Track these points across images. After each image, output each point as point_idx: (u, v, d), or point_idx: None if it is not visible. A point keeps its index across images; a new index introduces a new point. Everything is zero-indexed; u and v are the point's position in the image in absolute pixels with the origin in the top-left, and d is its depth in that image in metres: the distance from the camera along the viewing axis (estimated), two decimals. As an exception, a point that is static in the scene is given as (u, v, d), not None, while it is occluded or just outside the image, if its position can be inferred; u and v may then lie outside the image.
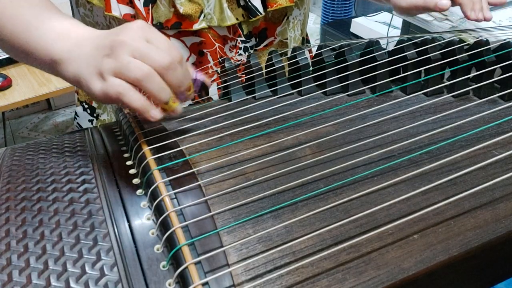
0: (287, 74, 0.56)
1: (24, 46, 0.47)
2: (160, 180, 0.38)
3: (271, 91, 0.53)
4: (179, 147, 0.43)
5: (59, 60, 0.44)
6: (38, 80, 1.71)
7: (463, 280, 0.39)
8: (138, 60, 0.39)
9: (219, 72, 0.64)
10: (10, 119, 2.36)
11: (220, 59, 0.65)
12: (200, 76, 0.48)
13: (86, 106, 0.75)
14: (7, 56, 1.76)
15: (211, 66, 0.65)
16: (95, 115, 0.74)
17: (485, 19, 0.62)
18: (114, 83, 0.40)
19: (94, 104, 0.74)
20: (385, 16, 2.28)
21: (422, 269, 0.34)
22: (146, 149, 0.42)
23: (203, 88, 0.49)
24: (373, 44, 0.54)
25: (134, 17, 0.59)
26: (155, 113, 0.41)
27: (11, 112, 2.34)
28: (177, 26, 0.60)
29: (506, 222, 0.37)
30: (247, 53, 0.66)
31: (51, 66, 0.45)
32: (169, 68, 0.40)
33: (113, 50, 0.40)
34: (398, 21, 1.94)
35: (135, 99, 0.40)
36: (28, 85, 1.69)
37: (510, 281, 0.56)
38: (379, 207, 0.36)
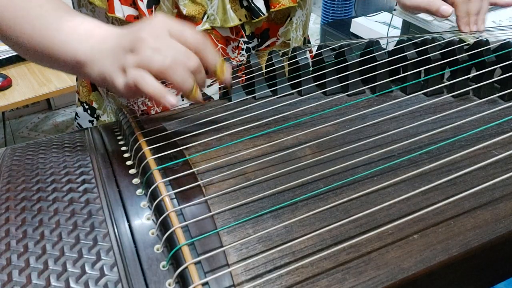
0: (287, 74, 0.56)
1: (46, 48, 0.47)
2: (160, 180, 0.38)
3: (271, 91, 0.53)
4: (179, 147, 0.43)
5: (84, 61, 0.45)
6: (38, 80, 1.71)
7: (463, 280, 0.39)
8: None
9: None
10: (10, 119, 2.36)
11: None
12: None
13: (86, 106, 0.75)
14: (7, 56, 1.76)
15: None
16: (95, 116, 0.74)
17: (478, 30, 0.64)
18: (133, 73, 0.40)
19: (95, 105, 0.74)
20: (385, 16, 2.28)
21: (422, 269, 0.34)
22: (146, 149, 0.42)
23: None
24: (373, 44, 0.54)
25: (137, 18, 0.59)
26: (171, 99, 0.41)
27: (11, 112, 2.34)
28: None
29: (506, 222, 0.37)
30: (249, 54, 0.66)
31: (76, 67, 0.46)
32: (195, 71, 0.41)
33: (135, 46, 0.41)
34: (398, 21, 1.94)
35: (151, 84, 0.40)
36: (28, 85, 1.69)
37: (510, 281, 0.56)
38: (379, 207, 0.36)
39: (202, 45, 0.42)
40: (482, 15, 0.64)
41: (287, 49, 0.68)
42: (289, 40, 0.69)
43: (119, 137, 0.48)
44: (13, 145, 0.48)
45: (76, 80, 0.77)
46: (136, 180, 0.41)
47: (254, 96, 0.53)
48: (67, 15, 0.47)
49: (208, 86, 0.66)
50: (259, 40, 0.66)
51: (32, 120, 2.37)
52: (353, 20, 2.40)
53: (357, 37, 2.34)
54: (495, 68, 0.52)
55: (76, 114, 0.78)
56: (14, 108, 2.13)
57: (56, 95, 1.78)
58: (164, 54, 0.40)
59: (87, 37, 0.45)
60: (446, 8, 0.63)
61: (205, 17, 0.60)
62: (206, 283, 0.32)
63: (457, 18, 0.64)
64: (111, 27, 0.46)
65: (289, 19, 0.67)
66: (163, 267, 0.34)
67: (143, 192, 0.39)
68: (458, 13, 0.64)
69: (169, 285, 0.33)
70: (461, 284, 0.39)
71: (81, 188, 0.39)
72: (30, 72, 1.75)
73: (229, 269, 0.33)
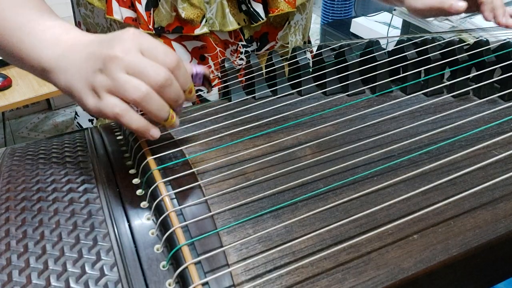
0: (287, 74, 0.56)
1: (16, 51, 0.45)
2: (160, 180, 0.38)
3: (271, 91, 0.53)
4: (179, 147, 0.43)
5: (49, 68, 0.43)
6: (38, 80, 1.71)
7: (463, 280, 0.39)
8: (133, 77, 0.38)
9: (220, 77, 0.64)
10: (10, 119, 2.36)
11: (219, 60, 0.65)
12: (200, 69, 0.46)
13: None
14: (7, 56, 1.76)
15: (212, 71, 0.65)
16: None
17: (507, 26, 0.61)
18: (110, 102, 0.39)
19: None
20: (385, 16, 2.28)
21: (422, 269, 0.34)
22: (146, 149, 0.42)
23: (205, 81, 0.47)
24: (373, 44, 0.54)
25: (135, 20, 0.59)
26: (155, 132, 0.40)
27: (11, 112, 2.34)
28: (178, 31, 0.60)
29: (506, 222, 0.37)
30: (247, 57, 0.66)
31: (42, 74, 0.44)
32: (165, 85, 0.39)
33: (106, 66, 0.39)
34: (398, 21, 1.94)
35: (134, 120, 0.39)
36: (28, 85, 1.69)
37: (510, 281, 0.56)
38: (379, 207, 0.36)
39: (174, 65, 0.40)
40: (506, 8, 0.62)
41: (286, 50, 0.68)
42: (288, 43, 0.69)
43: (119, 137, 0.48)
44: (13, 145, 0.48)
45: None
46: (136, 180, 0.41)
47: (254, 96, 0.53)
48: (40, 18, 0.45)
49: (207, 92, 0.66)
50: (258, 44, 0.66)
51: (32, 120, 2.37)
52: (353, 20, 2.40)
53: (357, 37, 2.34)
54: (495, 68, 0.52)
55: (76, 113, 0.78)
56: (14, 108, 2.14)
57: (56, 95, 1.79)
58: (138, 81, 0.38)
59: (53, 43, 0.43)
60: (460, 3, 0.61)
61: (204, 20, 0.60)
62: (206, 283, 0.32)
63: (480, 4, 0.62)
64: (81, 34, 0.44)
65: (287, 23, 0.67)
66: (163, 267, 0.34)
67: (143, 192, 0.39)
68: (483, 8, 0.61)
69: (169, 285, 0.33)
70: (461, 284, 0.39)
71: (81, 188, 0.39)
72: (30, 72, 1.75)
73: (229, 269, 0.33)
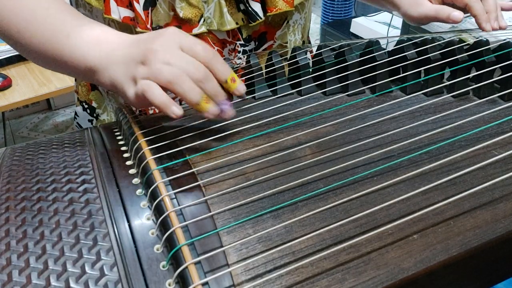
0: (287, 74, 0.56)
1: (56, 54, 0.47)
2: (160, 180, 0.38)
3: (271, 91, 0.53)
4: (179, 147, 0.43)
5: (95, 67, 0.45)
6: (38, 80, 1.71)
7: (463, 280, 0.39)
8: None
9: None
10: (10, 119, 2.36)
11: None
12: (226, 106, 0.45)
13: (86, 106, 0.75)
14: (7, 56, 1.76)
15: None
16: (95, 115, 0.74)
17: (500, 28, 0.61)
18: (142, 83, 0.41)
19: (94, 104, 0.74)
20: (385, 16, 2.28)
21: (422, 269, 0.34)
22: (146, 149, 0.42)
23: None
24: (373, 44, 0.54)
25: (133, 20, 0.59)
26: (176, 110, 0.41)
27: (11, 112, 2.34)
28: None
29: (506, 222, 0.37)
30: (246, 57, 0.66)
31: (87, 74, 0.46)
32: (204, 80, 0.41)
33: (146, 58, 0.41)
34: (398, 21, 1.94)
35: (157, 94, 0.41)
36: (28, 85, 1.69)
37: (510, 281, 0.56)
38: (379, 207, 0.36)
39: (212, 59, 0.42)
40: (499, 11, 0.62)
41: (286, 50, 0.68)
42: (286, 43, 0.69)
43: (119, 137, 0.48)
44: (13, 145, 0.48)
45: (75, 80, 0.77)
46: (136, 180, 0.41)
47: (254, 96, 0.53)
48: (75, 20, 0.48)
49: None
50: (256, 43, 0.66)
51: (32, 120, 2.37)
52: (353, 20, 2.40)
53: (357, 37, 2.34)
54: (495, 68, 0.52)
55: (76, 113, 0.78)
56: (14, 108, 2.14)
57: (56, 95, 1.78)
58: (172, 67, 0.41)
59: (98, 44, 0.46)
60: (457, 14, 0.61)
61: (202, 20, 0.60)
62: (206, 283, 0.32)
63: (475, 19, 0.61)
64: (122, 34, 0.46)
65: (286, 22, 0.67)
66: (163, 267, 0.34)
67: (143, 192, 0.39)
68: (475, 13, 0.61)
69: (169, 285, 0.33)
70: (461, 284, 0.39)
71: (81, 188, 0.39)
72: (30, 72, 1.75)
73: (229, 269, 0.33)
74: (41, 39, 0.47)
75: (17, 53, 1.73)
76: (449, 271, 0.36)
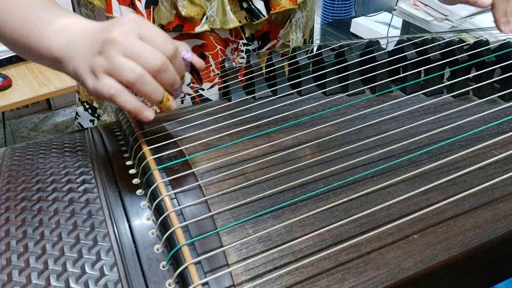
0: (287, 74, 0.56)
1: (26, 43, 0.47)
2: (160, 180, 0.38)
3: (271, 91, 0.53)
4: (179, 147, 0.43)
5: (60, 57, 0.44)
6: (38, 80, 1.71)
7: (463, 280, 0.39)
8: (130, 60, 0.39)
9: (220, 74, 0.64)
10: (10, 119, 2.36)
11: (220, 60, 0.65)
12: (188, 56, 0.46)
13: (87, 106, 0.75)
14: (7, 56, 1.76)
15: (212, 69, 0.65)
16: (96, 115, 0.74)
17: None
18: (106, 83, 0.40)
19: (95, 105, 0.74)
20: (385, 16, 2.28)
21: (422, 269, 0.34)
22: (146, 149, 0.42)
23: (193, 71, 0.47)
24: (373, 44, 0.54)
25: None
26: (148, 114, 0.41)
27: (11, 112, 2.34)
28: (179, 29, 0.60)
29: (506, 222, 0.37)
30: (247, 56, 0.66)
31: (53, 63, 0.46)
32: (162, 69, 0.40)
33: (104, 48, 0.40)
34: (398, 21, 1.94)
35: (128, 101, 0.40)
36: (28, 85, 1.69)
37: (510, 281, 0.56)
38: (379, 207, 0.36)
39: (172, 53, 0.41)
40: None
41: (287, 49, 0.68)
42: (289, 41, 0.69)
43: (119, 137, 0.48)
44: (13, 145, 0.48)
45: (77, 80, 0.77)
46: (136, 180, 0.41)
47: (254, 96, 0.53)
48: (45, 10, 0.47)
49: (208, 89, 0.66)
50: (259, 42, 0.66)
51: (32, 120, 2.37)
52: (353, 20, 2.40)
53: (357, 37, 2.34)
54: (495, 68, 0.52)
55: (77, 113, 0.78)
56: (14, 108, 2.13)
57: (56, 95, 1.79)
58: (132, 63, 0.39)
59: (62, 33, 0.45)
60: (485, 1, 0.60)
61: (204, 18, 0.60)
62: (206, 283, 0.32)
63: (495, 19, 0.61)
64: (87, 22, 0.45)
65: (289, 21, 0.67)
66: (163, 267, 0.34)
67: (143, 192, 0.39)
68: (496, 14, 0.61)
69: (169, 285, 0.33)
70: (461, 284, 0.39)
71: (81, 188, 0.39)
72: (30, 72, 1.75)
73: (229, 269, 0.33)
74: (12, 28, 0.47)
75: (17, 53, 1.75)
76: (449, 271, 0.36)
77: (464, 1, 0.64)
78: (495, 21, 0.62)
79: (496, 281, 0.42)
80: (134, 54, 0.39)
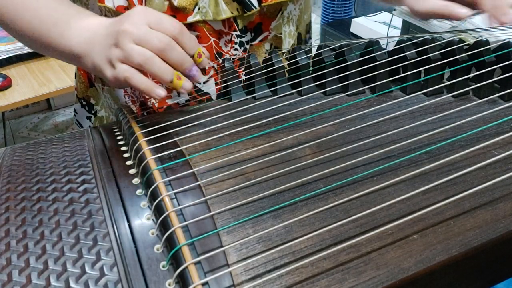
0: (287, 74, 0.56)
1: (46, 42, 0.51)
2: (160, 180, 0.38)
3: (271, 91, 0.53)
4: (179, 147, 0.43)
5: (78, 54, 0.49)
6: (38, 80, 1.71)
7: (463, 280, 0.39)
8: (140, 46, 0.44)
9: (216, 68, 0.65)
10: (10, 119, 2.36)
11: (220, 59, 0.65)
12: (194, 72, 0.49)
13: (84, 103, 0.75)
14: (7, 56, 1.76)
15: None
16: (93, 112, 0.74)
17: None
18: (121, 68, 0.45)
19: (92, 101, 0.74)
20: (385, 16, 2.28)
21: (422, 269, 0.34)
22: (146, 149, 0.42)
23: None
24: (373, 44, 0.54)
25: (127, 9, 0.59)
26: (159, 92, 0.45)
27: (11, 112, 2.34)
28: None
29: (506, 222, 0.37)
30: (242, 48, 0.66)
31: (74, 59, 0.50)
32: (167, 49, 0.44)
33: (118, 39, 0.44)
34: (398, 21, 1.94)
35: (141, 81, 0.45)
36: (28, 85, 1.69)
37: (510, 281, 0.56)
38: (379, 207, 0.36)
39: (178, 31, 0.45)
40: (509, 6, 0.62)
41: (284, 49, 0.68)
42: (281, 34, 0.69)
43: (119, 137, 0.48)
44: (13, 145, 0.48)
45: (75, 77, 0.78)
46: (136, 180, 0.41)
47: (254, 96, 0.53)
48: (62, 7, 0.51)
49: (205, 82, 0.66)
50: (252, 34, 0.66)
51: (32, 120, 2.37)
52: (353, 20, 2.40)
53: (357, 37, 2.34)
54: (495, 68, 0.52)
55: (75, 111, 0.78)
56: (14, 108, 2.13)
57: (56, 95, 1.78)
58: (141, 47, 0.44)
59: (81, 31, 0.49)
60: (464, 11, 0.60)
61: (197, 8, 0.60)
62: (206, 283, 0.32)
63: (486, 13, 0.60)
64: (103, 19, 0.49)
65: (280, 13, 0.67)
66: (163, 267, 0.34)
67: (143, 192, 0.39)
68: (485, 9, 0.60)
69: (169, 285, 0.33)
70: (461, 284, 0.39)
71: (81, 188, 0.39)
72: (30, 72, 1.75)
73: (229, 269, 0.33)
74: (33, 28, 0.51)
75: (17, 53, 1.75)
76: (449, 271, 0.36)
77: (440, 15, 0.64)
78: (487, 17, 0.61)
79: (496, 281, 0.42)
80: (142, 39, 0.44)
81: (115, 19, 0.48)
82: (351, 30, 2.40)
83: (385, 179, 0.40)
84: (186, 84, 0.46)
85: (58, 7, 0.51)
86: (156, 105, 0.64)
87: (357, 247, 0.35)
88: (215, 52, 0.64)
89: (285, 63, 0.56)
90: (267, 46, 0.68)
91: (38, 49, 0.55)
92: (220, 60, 0.65)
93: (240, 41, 0.65)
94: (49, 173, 0.41)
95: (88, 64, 0.48)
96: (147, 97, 0.66)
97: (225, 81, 0.55)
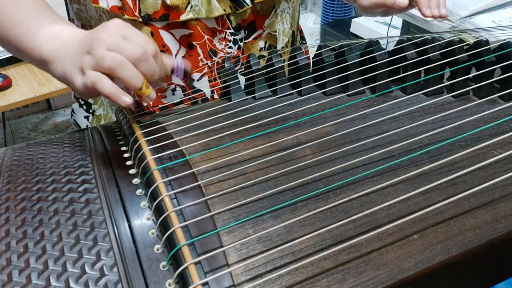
0: (287, 74, 0.56)
1: (19, 45, 0.51)
2: (160, 180, 0.38)
3: (271, 91, 0.53)
4: (179, 147, 0.43)
5: (48, 59, 0.48)
6: (38, 80, 1.71)
7: (463, 280, 0.39)
8: (113, 52, 0.43)
9: (210, 66, 0.65)
10: (10, 119, 2.36)
11: (220, 59, 0.65)
12: (181, 63, 0.51)
13: (82, 102, 0.75)
14: (7, 56, 1.76)
15: (201, 59, 0.65)
16: (91, 111, 0.75)
17: (441, 16, 0.63)
18: (90, 74, 0.44)
19: (90, 100, 0.74)
20: (385, 16, 2.28)
21: (422, 269, 0.34)
22: (146, 149, 0.42)
23: (185, 76, 0.52)
24: (373, 44, 0.54)
25: (121, 9, 0.59)
26: (126, 99, 0.44)
27: (11, 112, 2.34)
28: (165, 18, 0.61)
29: (506, 222, 0.37)
30: (236, 46, 0.66)
31: (41, 64, 0.50)
32: (141, 59, 0.43)
33: (91, 47, 0.44)
34: (398, 21, 1.94)
35: (108, 86, 0.43)
36: (28, 85, 1.69)
37: (510, 281, 0.56)
38: (379, 207, 0.36)
39: (153, 53, 0.45)
40: (442, 0, 0.63)
41: (286, 50, 0.68)
42: (275, 31, 0.70)
43: (119, 137, 0.48)
44: (13, 145, 0.48)
45: None
46: (136, 180, 0.41)
47: (254, 96, 0.53)
48: (40, 15, 0.51)
49: (198, 80, 0.66)
50: (246, 32, 0.66)
51: (32, 120, 2.37)
52: (353, 20, 2.40)
53: (357, 37, 2.34)
54: (495, 68, 0.52)
55: (72, 110, 0.78)
56: (14, 108, 2.14)
57: (56, 95, 1.78)
58: (113, 53, 0.43)
59: (53, 38, 0.49)
60: (402, 0, 0.63)
61: (189, 6, 0.60)
62: (206, 283, 0.32)
63: (417, 4, 0.63)
64: (77, 30, 0.49)
65: (274, 10, 0.67)
66: (163, 267, 0.34)
67: (143, 192, 0.39)
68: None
69: (169, 285, 0.33)
70: (461, 284, 0.39)
71: (81, 188, 0.39)
72: (30, 72, 1.75)
73: (229, 269, 0.33)
74: (7, 29, 0.51)
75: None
76: (449, 271, 0.36)
77: (382, 8, 0.65)
78: (418, 6, 0.63)
79: (496, 281, 0.42)
80: (116, 47, 0.43)
81: (89, 30, 0.48)
82: (351, 30, 2.40)
83: (385, 179, 0.40)
84: (153, 94, 0.46)
85: (34, 14, 0.51)
86: (151, 103, 0.64)
87: (357, 247, 0.35)
88: (208, 50, 0.65)
89: (285, 57, 0.56)
90: (261, 44, 0.69)
91: (13, 52, 0.54)
92: (215, 59, 0.65)
93: (234, 38, 0.65)
94: (49, 173, 0.41)
95: (58, 70, 0.48)
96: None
97: (225, 81, 0.55)
